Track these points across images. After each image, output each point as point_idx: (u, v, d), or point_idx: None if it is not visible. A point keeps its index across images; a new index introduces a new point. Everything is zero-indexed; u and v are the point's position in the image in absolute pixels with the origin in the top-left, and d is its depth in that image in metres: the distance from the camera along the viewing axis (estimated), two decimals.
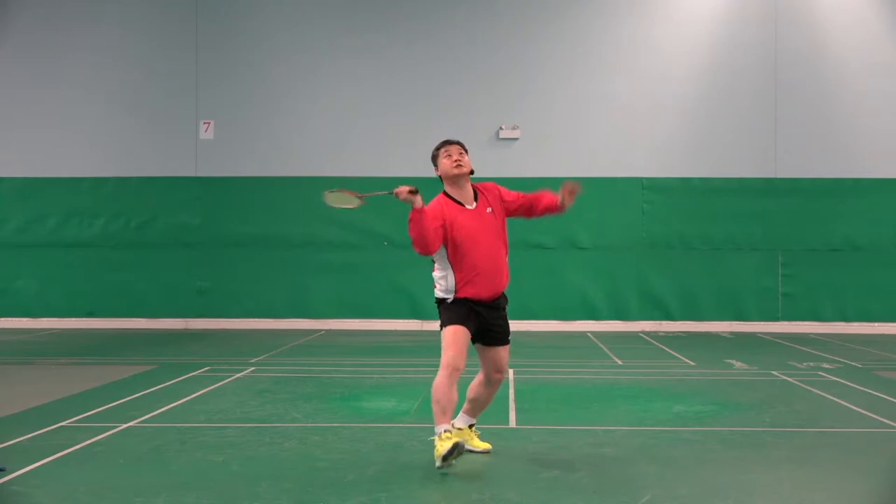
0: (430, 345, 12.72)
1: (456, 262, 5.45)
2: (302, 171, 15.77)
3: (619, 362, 10.93)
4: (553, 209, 5.67)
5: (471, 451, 5.72)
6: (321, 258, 15.65)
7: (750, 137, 15.61)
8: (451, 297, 5.46)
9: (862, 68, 15.54)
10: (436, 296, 5.58)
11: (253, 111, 15.94)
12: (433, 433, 5.38)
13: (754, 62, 15.64)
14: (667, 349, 12.38)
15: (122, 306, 15.66)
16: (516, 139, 15.65)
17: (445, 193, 5.59)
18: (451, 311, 5.43)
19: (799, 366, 10.48)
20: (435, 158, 5.67)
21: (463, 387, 5.60)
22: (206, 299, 15.70)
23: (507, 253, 5.63)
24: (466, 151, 5.63)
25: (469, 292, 5.43)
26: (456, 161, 5.52)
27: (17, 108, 16.06)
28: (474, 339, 5.52)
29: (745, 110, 15.64)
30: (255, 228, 15.74)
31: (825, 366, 10.47)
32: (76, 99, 15.99)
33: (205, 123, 15.92)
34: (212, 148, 15.90)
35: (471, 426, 5.82)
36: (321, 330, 15.20)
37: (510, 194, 5.71)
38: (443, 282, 5.50)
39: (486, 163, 14.16)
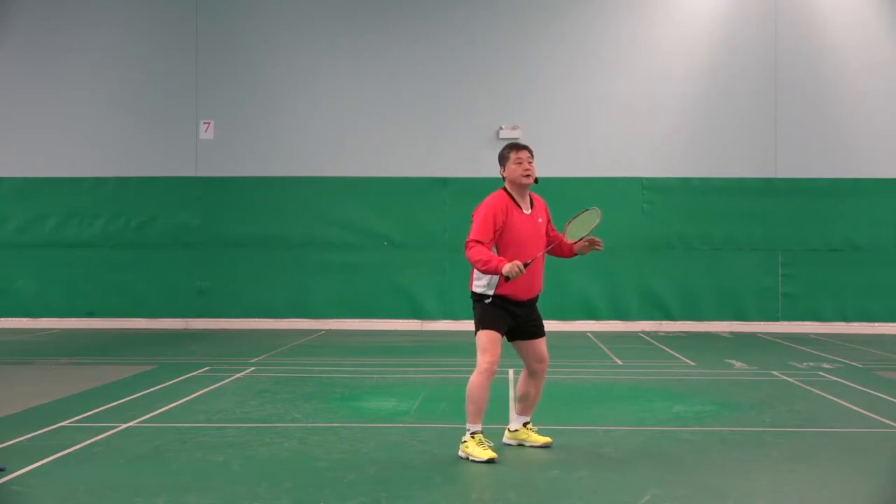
0: (430, 345, 12.75)
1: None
2: (302, 171, 15.78)
3: (619, 362, 10.93)
4: (566, 254, 6.00)
5: (532, 447, 5.96)
6: (321, 258, 15.65)
7: (750, 137, 15.60)
8: (490, 293, 5.62)
9: (862, 68, 15.54)
10: (474, 290, 5.72)
11: (253, 111, 15.94)
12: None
13: (754, 62, 15.64)
14: (667, 349, 12.38)
15: (122, 306, 15.66)
16: (516, 139, 15.64)
17: (506, 191, 5.79)
18: (488, 314, 5.64)
19: (799, 366, 10.47)
20: (504, 159, 5.81)
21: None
22: (206, 299, 15.70)
23: (544, 261, 5.87)
24: (533, 157, 5.81)
25: (507, 291, 5.61)
26: (526, 170, 5.73)
27: (17, 108, 16.06)
28: (512, 338, 5.80)
29: (745, 110, 15.63)
30: (255, 228, 15.74)
31: (825, 366, 10.47)
32: (76, 99, 15.99)
33: (205, 123, 15.92)
34: (212, 148, 15.90)
35: (525, 424, 6.02)
36: (321, 330, 15.20)
37: (551, 221, 6.04)
38: (487, 276, 5.62)
39: (486, 163, 14.17)
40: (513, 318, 5.68)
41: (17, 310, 15.73)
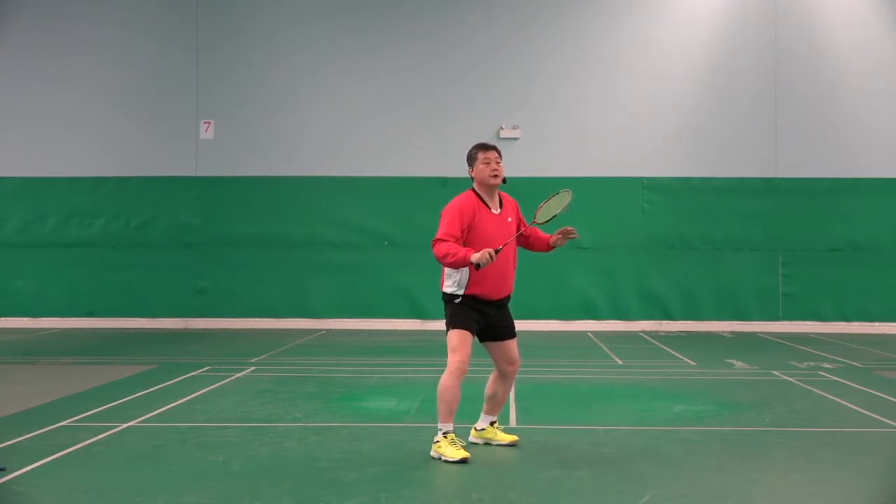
0: (430, 345, 12.73)
1: None
2: (302, 171, 15.78)
3: (620, 362, 10.93)
4: (542, 248, 5.95)
5: (499, 445, 5.99)
6: (321, 258, 15.65)
7: (750, 137, 15.60)
8: (460, 293, 5.61)
9: (862, 68, 15.54)
10: (444, 291, 5.71)
11: (253, 111, 15.94)
12: (434, 433, 5.41)
13: (754, 62, 15.64)
14: (667, 349, 12.38)
15: (122, 306, 15.66)
16: (516, 139, 15.65)
17: (475, 192, 5.76)
18: (458, 313, 5.63)
19: (799, 366, 10.47)
20: (472, 159, 5.79)
21: (472, 389, 5.64)
22: (206, 299, 15.70)
23: (515, 261, 5.84)
24: (501, 157, 5.80)
25: (477, 290, 5.61)
26: (494, 171, 5.69)
27: (17, 108, 16.05)
28: (483, 338, 5.79)
29: (745, 110, 15.63)
30: (255, 228, 15.74)
31: (825, 366, 10.47)
32: (76, 99, 15.98)
33: (205, 123, 15.92)
34: (212, 148, 15.90)
35: (492, 423, 6.04)
36: (321, 330, 15.20)
37: (522, 220, 5.96)
38: (456, 276, 5.62)
39: None
40: (483, 317, 5.66)
41: (17, 310, 15.73)
